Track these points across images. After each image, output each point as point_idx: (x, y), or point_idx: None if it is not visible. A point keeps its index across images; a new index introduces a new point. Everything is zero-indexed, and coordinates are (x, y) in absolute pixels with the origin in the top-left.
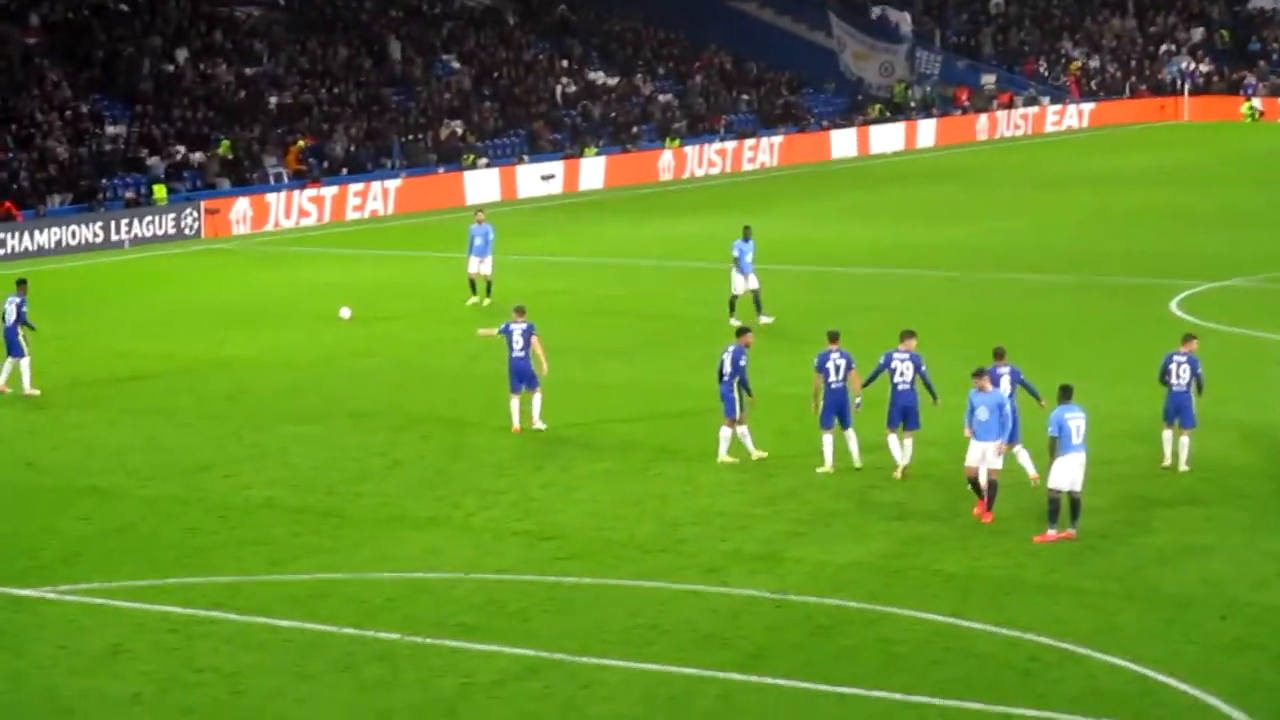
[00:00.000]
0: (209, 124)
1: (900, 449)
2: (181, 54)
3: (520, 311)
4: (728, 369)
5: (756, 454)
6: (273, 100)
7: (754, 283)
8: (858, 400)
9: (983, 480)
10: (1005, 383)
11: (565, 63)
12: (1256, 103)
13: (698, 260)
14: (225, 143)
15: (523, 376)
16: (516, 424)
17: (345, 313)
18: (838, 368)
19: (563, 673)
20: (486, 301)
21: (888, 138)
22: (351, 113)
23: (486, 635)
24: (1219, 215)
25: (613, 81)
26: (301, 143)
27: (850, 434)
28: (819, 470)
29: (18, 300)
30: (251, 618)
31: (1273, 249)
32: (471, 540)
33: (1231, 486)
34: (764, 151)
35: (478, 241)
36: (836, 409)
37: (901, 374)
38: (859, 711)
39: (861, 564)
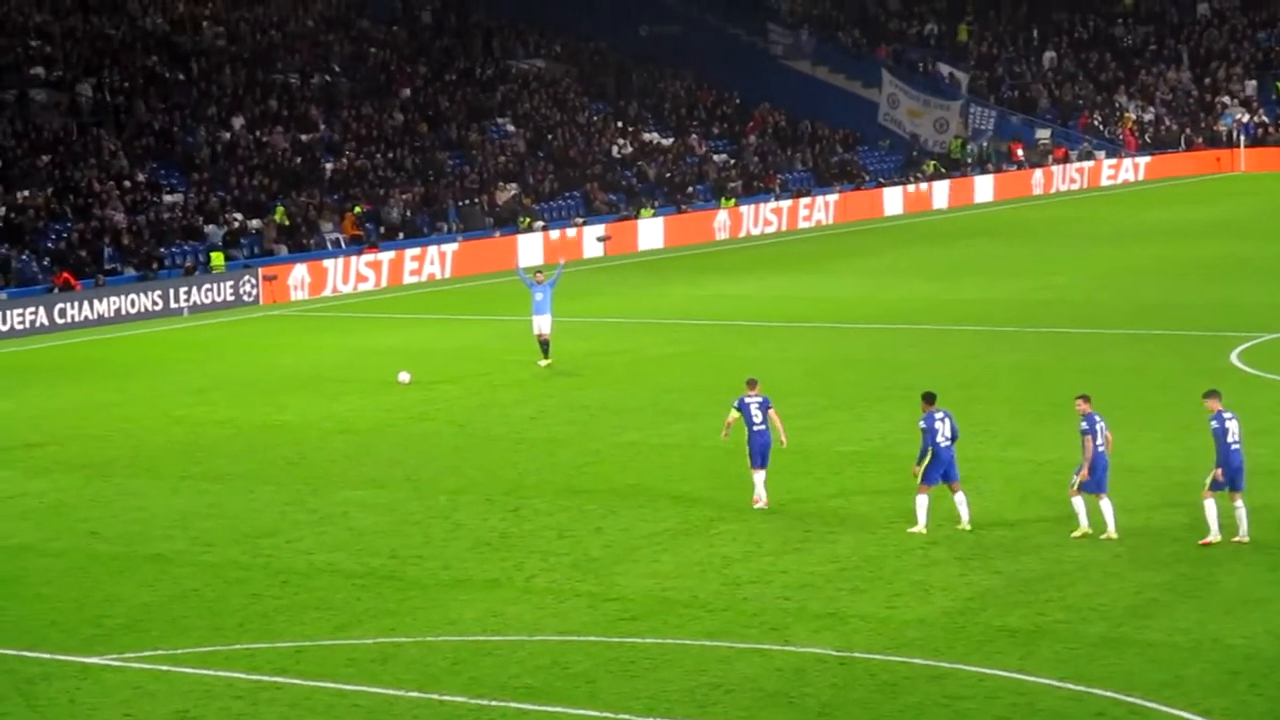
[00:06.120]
0: (265, 191)
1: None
2: (237, 121)
3: (752, 384)
4: (948, 433)
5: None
6: (328, 166)
7: None
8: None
9: None
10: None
11: (619, 124)
12: None
13: (756, 319)
14: (281, 209)
15: (768, 450)
16: (765, 500)
17: (404, 377)
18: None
19: None
20: (545, 362)
21: (943, 194)
22: (407, 177)
23: (551, 697)
24: (1278, 266)
25: (667, 142)
26: (358, 208)
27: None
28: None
29: None
30: (317, 683)
31: None
32: (534, 602)
33: None
34: (819, 209)
35: (538, 297)
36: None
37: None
38: None
39: (925, 620)
